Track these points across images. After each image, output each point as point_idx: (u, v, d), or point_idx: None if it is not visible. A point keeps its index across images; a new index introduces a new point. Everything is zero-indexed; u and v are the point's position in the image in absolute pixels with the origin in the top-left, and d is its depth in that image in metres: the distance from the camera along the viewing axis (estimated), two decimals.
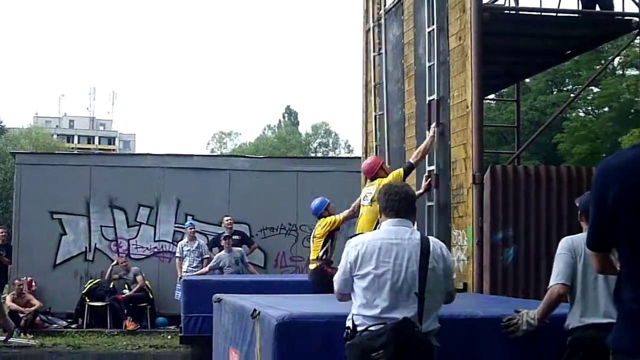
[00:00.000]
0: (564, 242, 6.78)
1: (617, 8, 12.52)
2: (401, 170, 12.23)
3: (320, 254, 13.43)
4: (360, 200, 12.89)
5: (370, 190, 12.40)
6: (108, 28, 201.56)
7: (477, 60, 11.29)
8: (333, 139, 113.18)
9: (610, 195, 3.84)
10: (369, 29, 16.11)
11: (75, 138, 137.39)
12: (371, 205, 11.98)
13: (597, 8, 12.45)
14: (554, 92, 57.77)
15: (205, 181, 21.99)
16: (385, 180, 11.81)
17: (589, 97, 52.71)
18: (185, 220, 21.36)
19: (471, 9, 11.38)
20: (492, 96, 20.86)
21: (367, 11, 16.26)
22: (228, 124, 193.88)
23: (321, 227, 13.65)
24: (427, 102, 12.68)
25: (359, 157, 17.57)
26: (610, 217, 3.85)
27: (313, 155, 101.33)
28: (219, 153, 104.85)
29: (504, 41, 13.03)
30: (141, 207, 22.07)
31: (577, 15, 12.78)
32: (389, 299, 5.99)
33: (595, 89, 50.77)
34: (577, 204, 6.95)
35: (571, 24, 12.83)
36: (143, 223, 22.11)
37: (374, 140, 15.58)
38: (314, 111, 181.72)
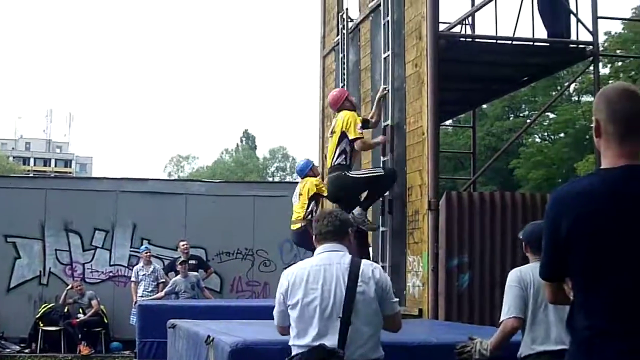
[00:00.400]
0: (513, 275, 6.83)
1: (573, 35, 12.64)
2: (358, 118, 12.35)
3: (306, 213, 13.40)
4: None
5: (333, 121, 12.62)
6: (65, 50, 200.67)
7: (433, 87, 11.35)
8: (291, 163, 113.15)
9: (563, 224, 3.85)
10: (326, 55, 16.16)
11: (32, 160, 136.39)
12: (331, 136, 12.35)
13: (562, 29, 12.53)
14: (511, 118, 58.22)
15: (161, 205, 21.88)
16: (345, 116, 12.10)
17: (545, 123, 53.22)
18: (141, 245, 21.22)
19: (427, 37, 11.45)
20: (448, 122, 20.92)
21: (324, 37, 16.32)
22: (186, 148, 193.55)
23: (307, 185, 13.62)
24: (382, 127, 12.72)
25: None
26: (564, 246, 3.86)
27: (270, 179, 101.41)
28: (176, 177, 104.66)
29: (460, 68, 13.09)
30: (97, 231, 21.91)
31: (532, 43, 12.88)
32: (319, 326, 5.91)
33: (552, 115, 51.27)
34: (521, 236, 7.02)
35: (527, 52, 12.92)
36: (98, 247, 21.94)
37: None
38: (271, 135, 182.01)
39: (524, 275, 6.72)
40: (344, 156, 12.14)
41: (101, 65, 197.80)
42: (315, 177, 13.84)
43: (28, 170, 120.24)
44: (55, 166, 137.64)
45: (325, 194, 13.44)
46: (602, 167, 3.94)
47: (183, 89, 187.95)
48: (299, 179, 14.16)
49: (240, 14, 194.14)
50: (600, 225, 3.79)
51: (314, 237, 6.39)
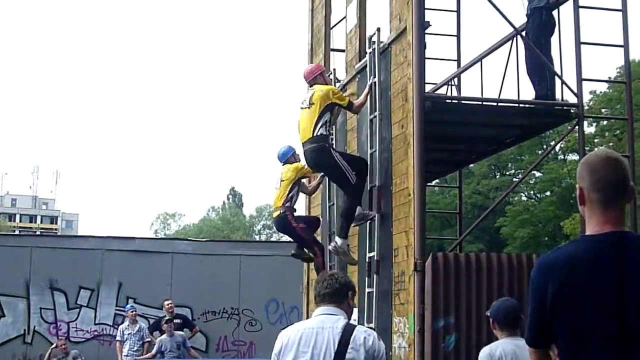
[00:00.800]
0: (483, 354, 6.89)
1: (558, 96, 12.73)
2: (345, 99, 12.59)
3: (284, 201, 13.51)
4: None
5: (307, 95, 12.67)
6: (52, 106, 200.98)
7: (419, 148, 11.37)
8: None
9: (549, 291, 3.85)
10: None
11: (18, 217, 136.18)
12: (310, 107, 12.40)
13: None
14: (497, 176, 58.47)
15: (147, 264, 21.86)
16: (324, 87, 12.46)
17: (531, 182, 53.42)
18: (127, 303, 21.16)
19: (413, 98, 11.50)
20: (434, 181, 20.97)
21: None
22: (172, 205, 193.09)
23: (290, 171, 13.71)
24: (368, 188, 12.74)
25: None
26: (549, 313, 3.86)
27: (257, 237, 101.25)
28: (163, 234, 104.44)
29: (447, 129, 13.14)
30: (82, 290, 21.86)
31: (517, 105, 12.96)
32: None
33: (538, 174, 51.48)
34: (488, 314, 7.06)
35: (512, 114, 12.99)
36: (83, 305, 21.86)
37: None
38: (258, 193, 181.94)
39: (493, 351, 6.77)
40: (325, 127, 12.40)
41: (88, 121, 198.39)
42: (297, 162, 13.92)
43: (14, 227, 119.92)
44: (42, 223, 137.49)
45: (309, 175, 13.79)
46: (587, 233, 3.96)
47: (170, 147, 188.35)
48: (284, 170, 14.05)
49: (227, 72, 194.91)
50: (585, 293, 3.80)
51: (314, 298, 6.39)
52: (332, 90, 12.68)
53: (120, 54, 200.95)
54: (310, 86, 12.94)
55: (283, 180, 13.75)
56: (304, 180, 14.14)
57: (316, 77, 12.90)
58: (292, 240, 14.13)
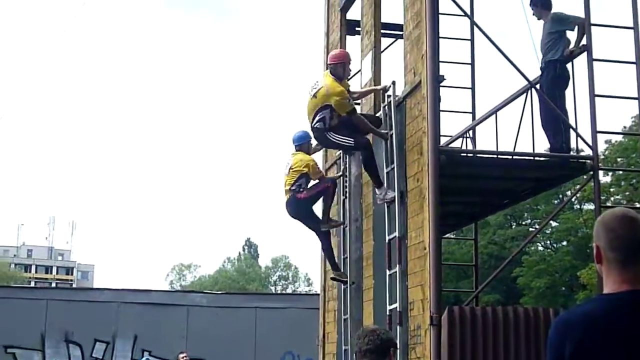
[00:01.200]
0: None
1: (572, 146, 12.72)
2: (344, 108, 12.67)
3: (292, 186, 13.56)
4: None
5: (318, 84, 12.90)
6: (68, 157, 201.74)
7: (434, 202, 11.36)
8: (293, 272, 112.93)
9: (566, 350, 3.83)
10: (329, 168, 16.25)
11: (33, 268, 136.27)
12: (313, 98, 12.77)
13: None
14: (513, 226, 58.28)
15: (162, 316, 21.84)
16: (330, 87, 12.61)
17: (547, 231, 53.24)
18: (142, 356, 21.13)
19: (428, 152, 11.51)
20: (450, 233, 20.93)
21: (326, 150, 16.41)
22: (188, 256, 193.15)
23: (300, 163, 13.67)
24: (386, 240, 12.70)
25: (317, 294, 17.52)
26: None
27: (272, 288, 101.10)
28: (178, 285, 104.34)
29: (462, 182, 13.15)
30: (97, 342, 21.83)
31: (532, 158, 12.96)
32: None
33: (554, 223, 51.33)
34: None
35: (527, 167, 12.98)
36: (99, 358, 21.83)
37: None
38: (274, 244, 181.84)
39: None
40: (322, 122, 12.70)
41: (104, 172, 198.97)
42: (309, 154, 13.96)
43: (30, 278, 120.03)
44: (57, 274, 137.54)
45: (315, 177, 13.71)
46: (604, 292, 3.95)
47: (186, 198, 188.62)
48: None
49: (243, 122, 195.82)
50: (603, 352, 3.78)
51: (354, 354, 6.38)
52: (336, 93, 12.61)
53: (136, 104, 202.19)
54: (329, 71, 12.98)
55: (292, 169, 13.73)
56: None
57: (337, 65, 12.93)
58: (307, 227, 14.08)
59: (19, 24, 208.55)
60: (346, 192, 14.68)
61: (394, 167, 12.64)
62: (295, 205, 13.61)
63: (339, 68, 12.92)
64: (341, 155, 15.18)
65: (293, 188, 13.52)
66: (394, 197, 12.44)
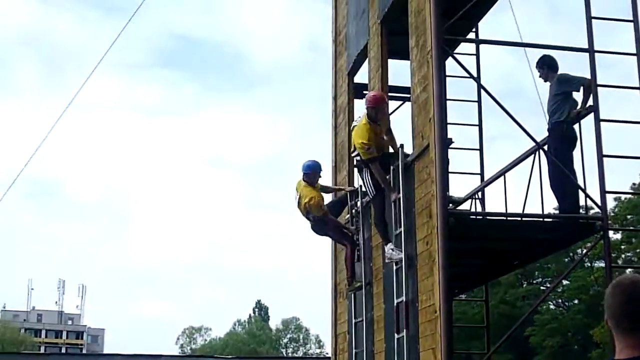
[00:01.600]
0: None
1: (581, 206, 12.72)
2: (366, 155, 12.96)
3: (305, 213, 14.33)
4: None
5: (357, 120, 13.62)
6: (77, 221, 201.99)
7: (444, 265, 11.33)
8: (304, 334, 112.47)
9: None
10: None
11: (43, 332, 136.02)
12: (352, 130, 13.59)
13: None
14: (524, 285, 58.08)
15: None
16: (359, 132, 13.00)
17: (558, 290, 53.03)
18: None
19: (437, 215, 11.51)
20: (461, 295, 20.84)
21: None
22: (198, 319, 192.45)
23: (306, 195, 14.26)
24: (395, 304, 12.66)
25: (329, 357, 17.43)
26: None
27: (283, 350, 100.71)
28: (188, 349, 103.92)
29: (471, 244, 13.14)
30: None
31: (541, 219, 12.96)
32: None
33: (565, 282, 51.14)
34: None
35: (536, 228, 12.97)
36: None
37: (345, 341, 15.51)
38: (284, 306, 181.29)
39: None
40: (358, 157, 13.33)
41: (114, 236, 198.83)
42: (313, 185, 14.43)
43: (40, 343, 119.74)
44: (67, 338, 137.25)
45: (316, 215, 14.26)
46: (615, 358, 3.95)
47: (195, 259, 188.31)
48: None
49: (250, 189, 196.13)
50: None
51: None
52: (362, 141, 12.88)
53: (138, 169, 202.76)
54: (366, 112, 13.24)
55: (300, 199, 14.36)
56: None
57: (375, 107, 13.14)
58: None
59: None
60: (357, 254, 14.68)
61: (401, 231, 12.65)
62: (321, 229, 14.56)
63: (375, 110, 13.14)
64: (349, 218, 15.20)
65: (310, 216, 14.26)
66: (402, 258, 12.45)
